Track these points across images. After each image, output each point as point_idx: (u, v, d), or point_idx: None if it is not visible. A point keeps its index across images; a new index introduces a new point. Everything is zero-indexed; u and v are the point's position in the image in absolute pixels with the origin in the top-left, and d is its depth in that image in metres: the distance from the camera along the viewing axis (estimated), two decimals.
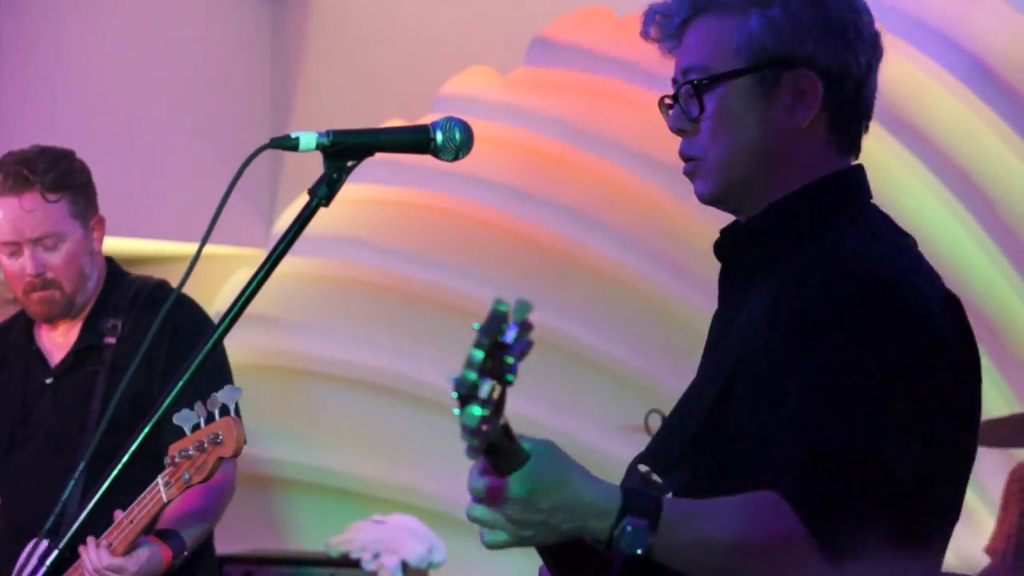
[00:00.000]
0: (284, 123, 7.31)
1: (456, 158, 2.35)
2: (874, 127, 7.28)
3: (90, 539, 3.33)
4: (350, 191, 8.02)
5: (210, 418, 3.10)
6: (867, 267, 2.18)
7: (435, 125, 2.34)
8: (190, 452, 3.13)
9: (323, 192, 2.30)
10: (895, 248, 2.27)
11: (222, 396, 3.09)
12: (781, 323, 2.18)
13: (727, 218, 2.41)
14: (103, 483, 2.32)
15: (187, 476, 3.13)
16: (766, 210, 2.31)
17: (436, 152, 2.34)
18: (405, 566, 6.06)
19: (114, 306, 3.80)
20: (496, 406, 1.89)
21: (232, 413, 3.09)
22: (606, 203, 6.71)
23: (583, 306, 6.65)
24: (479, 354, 1.90)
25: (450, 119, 2.33)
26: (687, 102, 2.33)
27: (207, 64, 7.28)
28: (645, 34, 2.37)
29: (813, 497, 2.06)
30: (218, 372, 3.65)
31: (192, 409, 3.08)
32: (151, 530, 3.45)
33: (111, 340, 3.76)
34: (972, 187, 6.16)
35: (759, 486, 2.10)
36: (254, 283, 2.33)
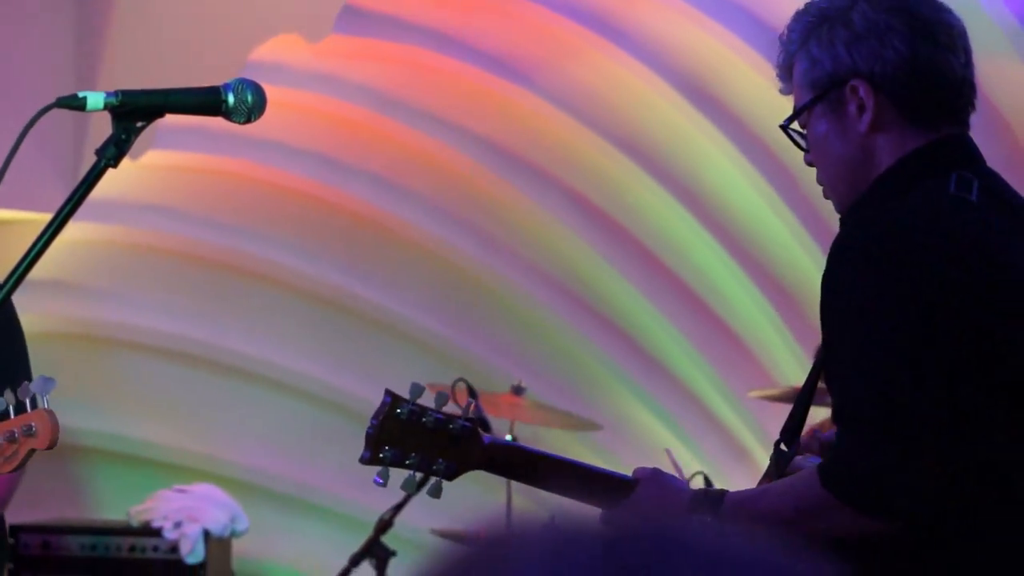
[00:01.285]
0: (90, 87, 7.17)
1: (248, 120, 2.31)
2: (679, 101, 7.36)
3: None
4: (158, 157, 7.90)
5: (20, 407, 3.01)
6: (853, 232, 2.44)
7: (227, 87, 2.30)
8: None
9: (111, 153, 2.24)
10: (897, 205, 2.46)
11: (34, 387, 2.99)
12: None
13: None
14: None
15: None
16: (850, 206, 2.57)
17: (227, 114, 2.30)
18: (207, 535, 6.02)
19: None
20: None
21: (45, 404, 3.00)
22: (414, 172, 6.71)
23: (390, 274, 6.65)
24: (369, 433, 2.62)
25: (242, 81, 2.29)
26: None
27: (10, 24, 7.12)
28: (785, 93, 2.66)
29: (831, 459, 2.40)
30: (22, 358, 3.56)
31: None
32: None
33: None
34: (774, 160, 6.27)
35: None
36: (39, 245, 2.28)
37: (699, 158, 6.52)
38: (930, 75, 2.51)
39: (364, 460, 2.62)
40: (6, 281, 2.25)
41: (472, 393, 5.23)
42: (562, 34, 6.64)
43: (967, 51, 2.57)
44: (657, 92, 6.52)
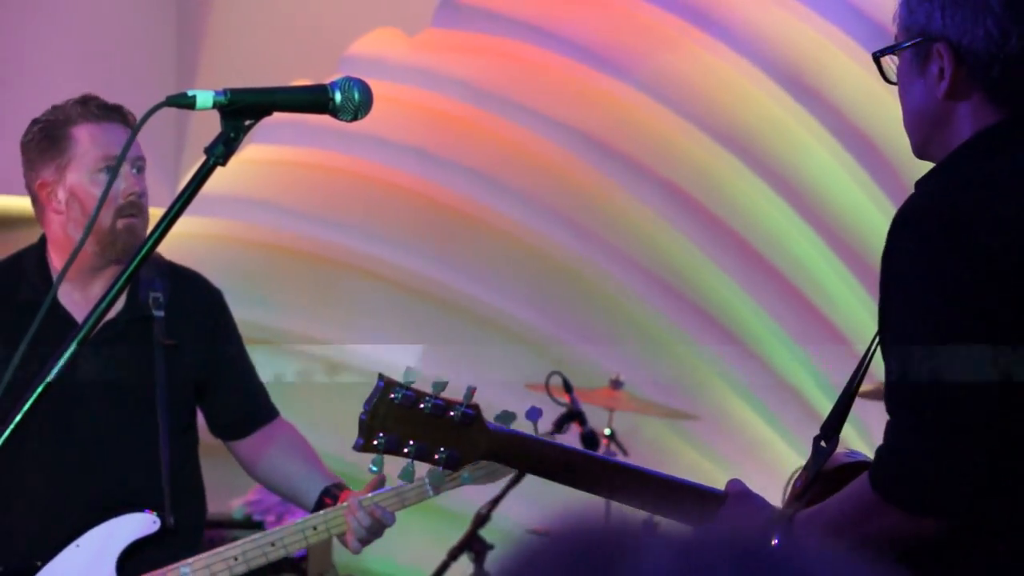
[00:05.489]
0: (189, 83, 7.25)
1: (355, 118, 2.31)
2: (777, 92, 7.28)
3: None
4: (257, 152, 7.95)
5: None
6: (916, 203, 2.37)
7: (333, 85, 2.30)
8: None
9: (220, 151, 2.25)
10: (948, 181, 2.42)
11: (529, 415, 2.86)
12: None
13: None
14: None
15: (467, 476, 3.09)
16: (927, 173, 2.52)
17: (334, 112, 2.30)
18: None
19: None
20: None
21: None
22: (511, 165, 6.71)
23: (487, 267, 6.66)
24: (362, 419, 2.49)
25: (349, 79, 2.29)
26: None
27: (112, 23, 7.20)
28: None
29: (878, 459, 2.33)
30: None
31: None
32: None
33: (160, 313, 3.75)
34: (874, 152, 6.22)
35: None
36: (150, 242, 2.31)
37: (798, 150, 6.48)
38: (1018, 63, 2.45)
39: (357, 447, 2.50)
40: (119, 278, 2.27)
41: (567, 386, 5.23)
42: (659, 26, 6.62)
43: None
44: (755, 83, 6.49)
